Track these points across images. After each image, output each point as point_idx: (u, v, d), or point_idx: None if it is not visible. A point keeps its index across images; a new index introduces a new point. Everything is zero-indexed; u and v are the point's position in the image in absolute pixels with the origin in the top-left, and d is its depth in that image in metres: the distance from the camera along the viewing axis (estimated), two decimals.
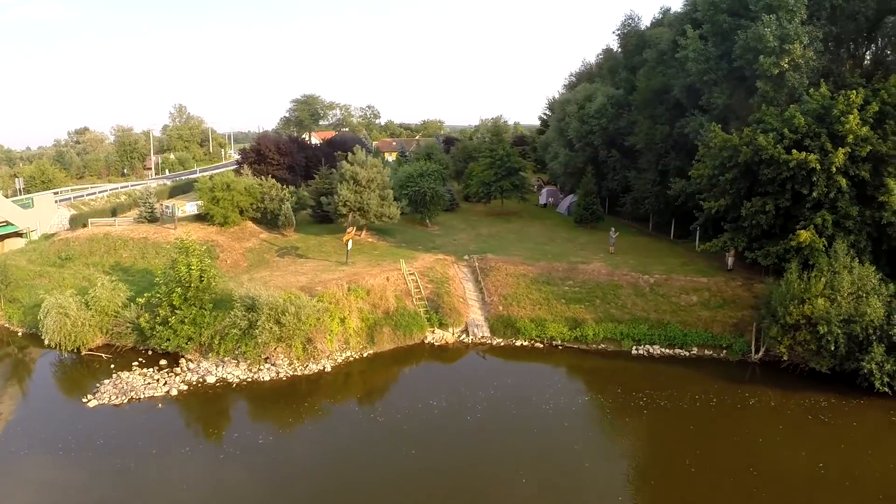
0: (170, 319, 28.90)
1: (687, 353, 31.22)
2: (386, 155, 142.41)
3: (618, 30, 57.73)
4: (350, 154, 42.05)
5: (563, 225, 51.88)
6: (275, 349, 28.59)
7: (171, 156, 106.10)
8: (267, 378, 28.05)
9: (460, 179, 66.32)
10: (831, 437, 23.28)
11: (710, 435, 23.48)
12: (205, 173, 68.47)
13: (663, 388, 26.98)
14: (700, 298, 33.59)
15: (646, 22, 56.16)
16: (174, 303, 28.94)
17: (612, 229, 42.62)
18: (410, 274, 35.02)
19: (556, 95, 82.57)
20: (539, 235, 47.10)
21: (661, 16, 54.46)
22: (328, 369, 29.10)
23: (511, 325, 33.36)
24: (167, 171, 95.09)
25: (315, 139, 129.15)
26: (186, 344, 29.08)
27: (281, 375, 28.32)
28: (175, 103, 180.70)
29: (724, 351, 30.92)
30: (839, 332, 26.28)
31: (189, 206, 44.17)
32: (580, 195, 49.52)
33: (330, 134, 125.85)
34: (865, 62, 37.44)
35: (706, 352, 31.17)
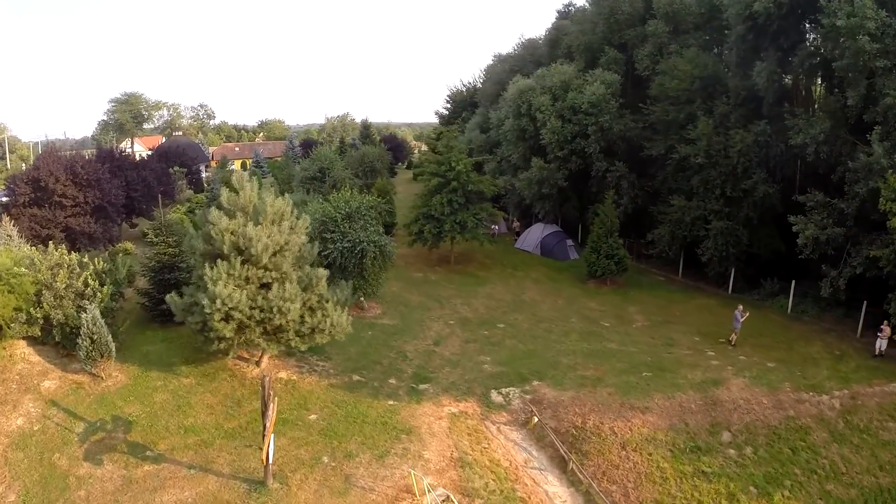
0: None
1: None
2: (228, 165, 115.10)
3: None
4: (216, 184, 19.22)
5: (565, 280, 32.81)
6: None
7: None
8: None
9: None
10: None
11: None
12: None
13: None
14: None
15: None
16: None
17: (740, 308, 24.51)
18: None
19: (472, 82, 64.14)
20: (560, 312, 27.55)
21: None
22: None
23: None
24: None
25: (140, 146, 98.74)
26: None
27: None
28: None
29: None
30: None
31: None
32: (596, 233, 30.86)
33: (157, 139, 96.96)
34: None
35: None
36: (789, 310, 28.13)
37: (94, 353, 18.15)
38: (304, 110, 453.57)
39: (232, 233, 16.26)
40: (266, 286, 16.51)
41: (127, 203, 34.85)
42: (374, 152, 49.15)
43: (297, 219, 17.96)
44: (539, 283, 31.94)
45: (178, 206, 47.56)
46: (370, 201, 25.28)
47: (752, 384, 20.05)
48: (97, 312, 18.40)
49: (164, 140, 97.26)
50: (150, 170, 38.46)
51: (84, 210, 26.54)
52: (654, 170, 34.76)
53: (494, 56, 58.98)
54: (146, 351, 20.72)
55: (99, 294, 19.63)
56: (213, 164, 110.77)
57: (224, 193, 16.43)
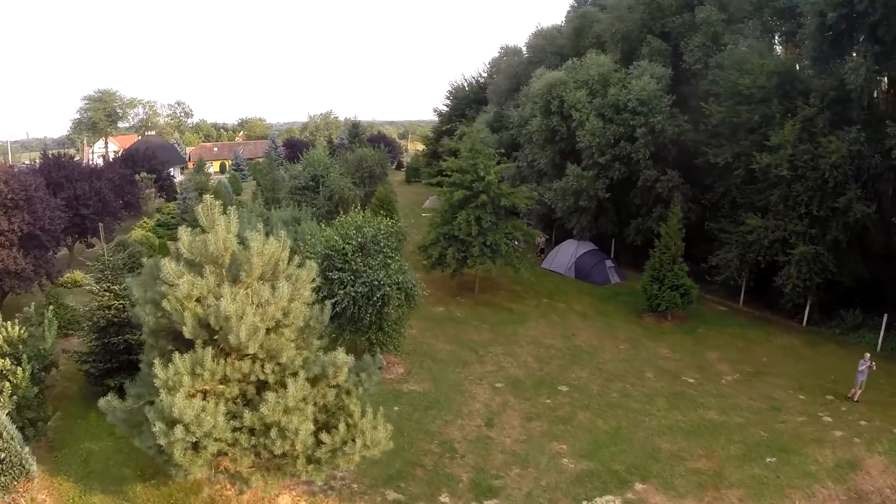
0: None
1: None
2: (207, 165, 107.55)
3: None
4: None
5: (615, 313, 26.71)
6: None
7: None
8: None
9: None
10: None
11: None
12: None
13: None
14: None
15: None
16: None
17: (867, 356, 18.93)
18: None
19: (476, 76, 57.96)
20: (629, 364, 21.46)
21: None
22: None
23: None
24: None
25: (114, 145, 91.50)
26: None
27: None
28: None
29: None
30: None
31: None
32: (659, 259, 24.94)
33: (133, 139, 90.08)
34: None
35: None
36: (879, 346, 22.84)
37: (2, 479, 11.72)
38: (286, 108, 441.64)
39: (198, 301, 9.96)
40: (256, 386, 10.24)
41: (77, 222, 28.07)
42: (373, 155, 42.72)
43: (300, 266, 11.62)
44: (587, 318, 25.92)
45: (146, 220, 40.62)
46: (389, 226, 18.92)
47: (892, 463, 14.80)
48: (4, 419, 11.94)
49: (139, 139, 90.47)
50: (107, 179, 31.50)
51: (8, 240, 19.55)
52: (710, 180, 29.07)
53: (501, 48, 52.97)
54: (87, 452, 14.29)
55: (10, 381, 13.10)
56: (190, 165, 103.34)
57: (184, 237, 10.04)
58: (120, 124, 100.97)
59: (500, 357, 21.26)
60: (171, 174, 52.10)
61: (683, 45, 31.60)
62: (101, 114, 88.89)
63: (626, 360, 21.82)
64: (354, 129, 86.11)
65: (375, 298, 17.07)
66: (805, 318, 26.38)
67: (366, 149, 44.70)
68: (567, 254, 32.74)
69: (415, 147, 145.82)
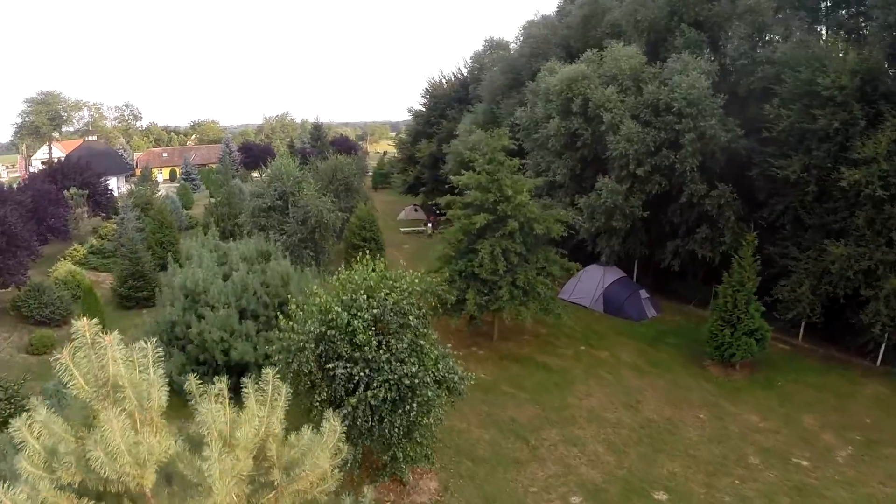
0: None
1: None
2: (156, 173, 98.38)
3: None
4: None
5: (670, 362, 21.27)
6: None
7: None
8: None
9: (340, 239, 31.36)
10: None
11: None
12: None
13: None
14: None
15: None
16: None
17: None
18: None
19: (457, 73, 52.06)
20: (720, 444, 15.85)
21: None
22: None
23: None
24: None
25: (59, 151, 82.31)
26: None
27: None
28: None
29: None
30: None
31: None
32: (731, 297, 19.69)
33: (76, 143, 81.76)
34: None
35: None
36: None
37: None
38: (240, 109, 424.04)
39: None
40: None
41: None
42: (349, 164, 36.45)
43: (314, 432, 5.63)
44: (643, 374, 20.51)
45: (76, 247, 33.13)
46: (416, 283, 12.95)
47: None
48: None
49: (83, 143, 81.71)
50: (13, 204, 24.22)
51: None
52: (765, 196, 24.25)
53: (486, 41, 47.31)
54: None
55: None
56: (138, 173, 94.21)
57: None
58: (65, 128, 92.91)
59: (561, 448, 15.57)
60: (109, 187, 44.25)
61: (723, 37, 26.77)
62: (43, 117, 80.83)
63: (716, 439, 16.51)
64: (316, 131, 79.18)
65: (408, 407, 11.11)
66: (879, 357, 21.97)
67: (341, 156, 38.28)
68: (592, 282, 27.36)
69: (374, 149, 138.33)
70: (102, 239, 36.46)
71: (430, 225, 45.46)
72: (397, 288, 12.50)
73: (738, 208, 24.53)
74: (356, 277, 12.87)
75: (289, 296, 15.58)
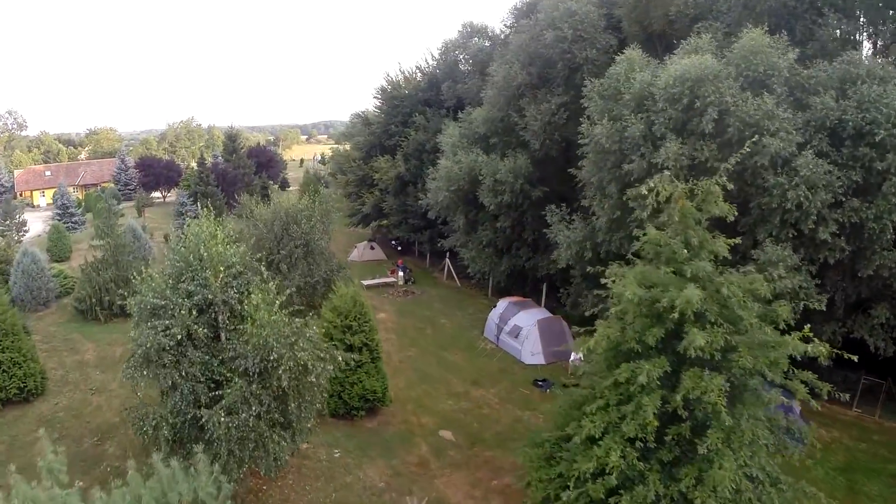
0: None
1: None
2: (37, 197, 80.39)
3: None
4: None
5: None
6: None
7: None
8: None
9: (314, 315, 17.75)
10: None
11: None
12: None
13: None
14: None
15: None
16: None
17: None
18: None
19: (416, 70, 40.31)
20: None
21: None
22: None
23: None
24: None
25: None
26: None
27: None
28: None
29: None
30: None
31: None
32: None
33: None
34: None
35: None
36: None
37: None
38: (141, 115, 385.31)
39: None
40: None
41: None
42: (306, 210, 23.96)
43: None
44: None
45: None
46: None
47: None
48: None
49: None
50: None
51: None
52: None
53: (464, 25, 35.76)
54: None
55: None
56: (19, 197, 75.57)
57: None
58: None
59: None
60: None
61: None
62: None
63: None
64: (231, 142, 64.85)
65: None
66: None
67: (299, 198, 25.75)
68: None
69: (288, 156, 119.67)
70: None
71: (401, 273, 33.17)
72: None
73: None
74: None
75: None
